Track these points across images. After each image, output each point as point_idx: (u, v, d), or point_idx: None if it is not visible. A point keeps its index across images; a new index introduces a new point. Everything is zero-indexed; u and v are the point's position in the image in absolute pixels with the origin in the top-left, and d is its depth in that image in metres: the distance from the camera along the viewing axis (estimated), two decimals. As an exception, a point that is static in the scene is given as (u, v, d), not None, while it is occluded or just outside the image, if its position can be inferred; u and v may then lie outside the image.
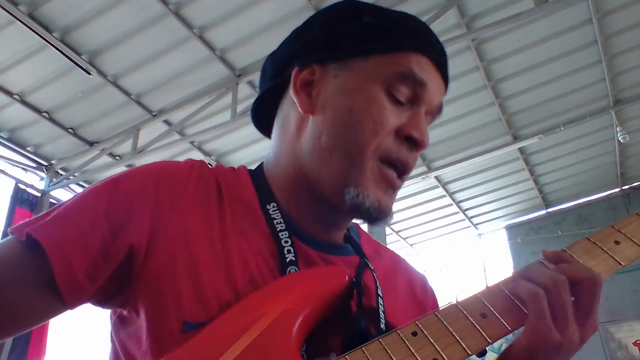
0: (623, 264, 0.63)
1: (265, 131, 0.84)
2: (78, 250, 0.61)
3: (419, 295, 0.82)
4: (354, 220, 0.80)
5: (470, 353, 0.56)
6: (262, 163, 0.81)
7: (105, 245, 0.62)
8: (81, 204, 0.66)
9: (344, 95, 0.71)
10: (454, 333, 0.58)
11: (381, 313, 0.69)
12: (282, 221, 0.71)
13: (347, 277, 0.66)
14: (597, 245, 0.65)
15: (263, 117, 0.83)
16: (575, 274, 0.60)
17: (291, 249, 0.69)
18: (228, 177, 0.75)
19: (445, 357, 0.55)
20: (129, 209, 0.64)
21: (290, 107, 0.77)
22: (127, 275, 0.63)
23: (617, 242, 0.65)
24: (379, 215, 0.70)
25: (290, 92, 0.75)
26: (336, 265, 0.71)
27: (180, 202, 0.67)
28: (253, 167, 0.80)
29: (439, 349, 0.56)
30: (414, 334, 0.58)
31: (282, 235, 0.69)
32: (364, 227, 0.87)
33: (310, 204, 0.74)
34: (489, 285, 0.64)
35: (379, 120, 0.69)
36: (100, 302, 0.66)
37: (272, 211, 0.72)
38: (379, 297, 0.70)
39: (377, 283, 0.72)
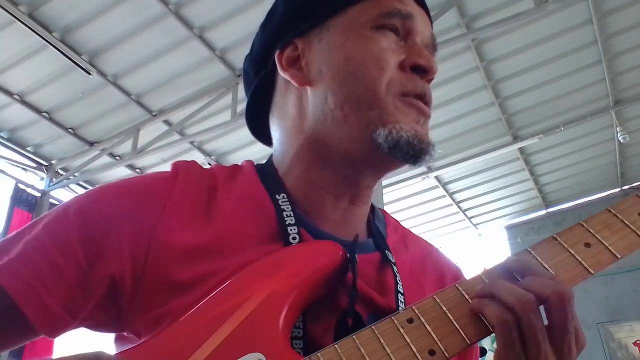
0: (593, 271, 0.56)
1: (265, 138, 0.80)
2: (52, 287, 0.56)
3: None
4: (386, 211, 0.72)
5: (470, 343, 0.51)
6: (271, 156, 0.77)
7: (83, 276, 0.57)
8: (52, 232, 0.60)
9: (335, 51, 0.68)
10: (454, 321, 0.53)
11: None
12: (292, 214, 0.65)
13: (340, 253, 0.61)
14: (564, 246, 0.58)
15: (260, 122, 0.79)
16: (539, 291, 0.51)
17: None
18: (229, 176, 0.70)
19: (442, 348, 0.51)
20: (105, 233, 0.59)
21: (283, 94, 0.73)
22: (115, 304, 0.59)
23: (587, 245, 0.58)
24: (421, 145, 0.64)
25: (280, 76, 0.72)
26: (330, 240, 0.65)
27: (163, 220, 0.61)
28: None
29: (436, 339, 0.51)
30: (410, 320, 0.53)
31: (290, 230, 0.64)
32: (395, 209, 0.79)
33: (333, 181, 0.68)
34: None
35: (380, 56, 0.66)
36: (90, 328, 0.62)
37: (282, 202, 0.67)
38: (399, 294, 0.65)
39: (397, 278, 0.66)
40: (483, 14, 4.28)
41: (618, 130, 5.57)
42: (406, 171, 6.10)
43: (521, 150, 6.16)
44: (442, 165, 6.12)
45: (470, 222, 7.81)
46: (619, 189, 7.02)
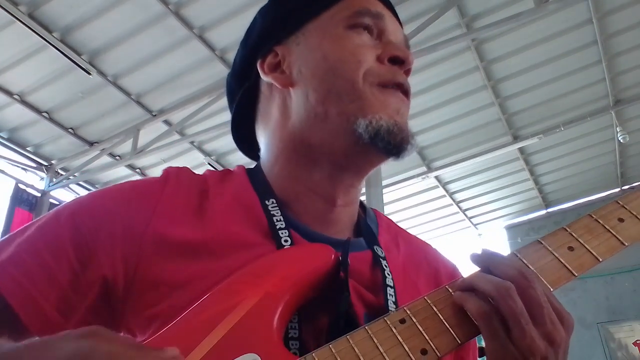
0: (576, 274, 0.59)
1: (252, 151, 0.82)
2: (44, 289, 0.57)
3: None
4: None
5: (460, 342, 0.53)
6: (259, 162, 0.78)
7: (75, 277, 0.58)
8: (44, 234, 0.61)
9: (312, 51, 0.71)
10: (444, 321, 0.55)
11: (392, 310, 0.62)
12: (282, 219, 0.66)
13: (333, 256, 0.62)
14: (549, 249, 0.60)
15: (246, 133, 0.81)
16: (504, 272, 0.54)
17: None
18: (220, 181, 0.72)
19: (434, 347, 0.52)
20: (96, 235, 0.60)
21: (268, 100, 0.76)
22: (109, 306, 0.60)
23: (570, 248, 0.60)
24: (401, 134, 0.66)
25: (264, 84, 0.75)
26: (323, 243, 0.65)
27: (155, 221, 0.62)
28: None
29: (427, 338, 0.53)
30: (403, 321, 0.55)
31: (282, 233, 0.65)
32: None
33: (318, 180, 0.70)
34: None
35: (355, 51, 0.69)
36: None
37: (272, 207, 0.68)
38: (388, 287, 0.65)
39: (386, 272, 0.67)
40: (483, 14, 4.28)
41: (618, 130, 5.57)
42: (406, 171, 6.11)
43: (521, 150, 6.16)
44: (442, 165, 6.12)
45: (470, 222, 7.81)
46: (618, 189, 7.02)
